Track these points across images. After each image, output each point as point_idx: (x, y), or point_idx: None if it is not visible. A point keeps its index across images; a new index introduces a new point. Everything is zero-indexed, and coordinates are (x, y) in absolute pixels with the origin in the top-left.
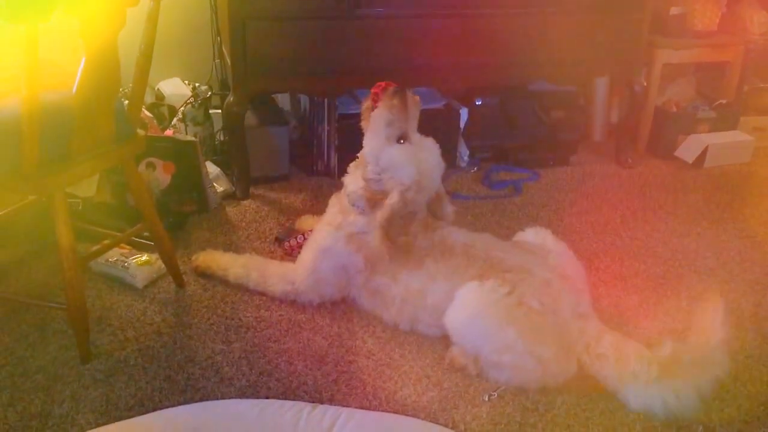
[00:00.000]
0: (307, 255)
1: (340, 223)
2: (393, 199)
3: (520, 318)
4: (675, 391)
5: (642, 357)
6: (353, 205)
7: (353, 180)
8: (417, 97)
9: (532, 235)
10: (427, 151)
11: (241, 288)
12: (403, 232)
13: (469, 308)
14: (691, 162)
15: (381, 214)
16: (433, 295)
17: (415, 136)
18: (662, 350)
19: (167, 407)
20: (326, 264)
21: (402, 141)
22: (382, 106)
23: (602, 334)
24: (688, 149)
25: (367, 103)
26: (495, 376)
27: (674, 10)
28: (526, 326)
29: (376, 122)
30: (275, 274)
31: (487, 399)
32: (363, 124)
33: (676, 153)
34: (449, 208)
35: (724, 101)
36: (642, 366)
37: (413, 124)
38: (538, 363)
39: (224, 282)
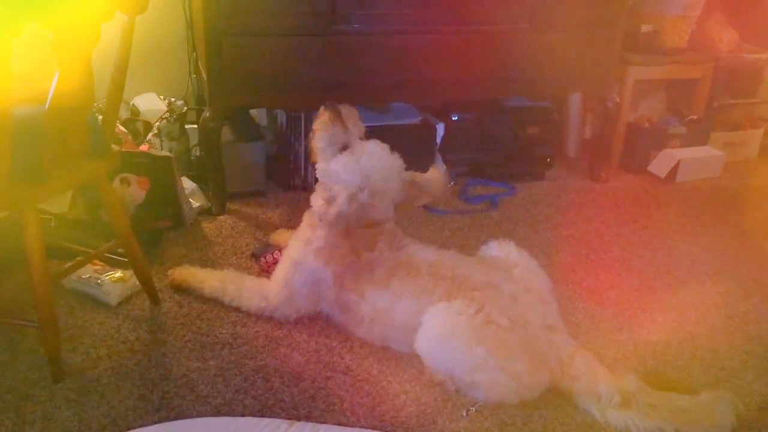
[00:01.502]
0: (279, 270)
1: (309, 238)
2: (340, 199)
3: (489, 336)
4: (633, 421)
5: (609, 383)
6: (320, 220)
7: (316, 198)
8: (354, 109)
9: (496, 249)
10: (371, 153)
11: (217, 304)
12: (370, 247)
13: (437, 330)
14: (663, 177)
15: (328, 214)
16: (401, 315)
17: (357, 143)
18: (628, 383)
19: (141, 426)
20: (297, 278)
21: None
22: (315, 127)
23: (574, 353)
24: (660, 164)
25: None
26: (472, 394)
27: (645, 28)
28: (496, 344)
29: (317, 145)
30: (250, 290)
31: (465, 414)
32: (312, 160)
33: (649, 168)
34: (432, 178)
35: (694, 117)
36: (608, 391)
37: (354, 132)
38: (512, 379)
39: (200, 298)
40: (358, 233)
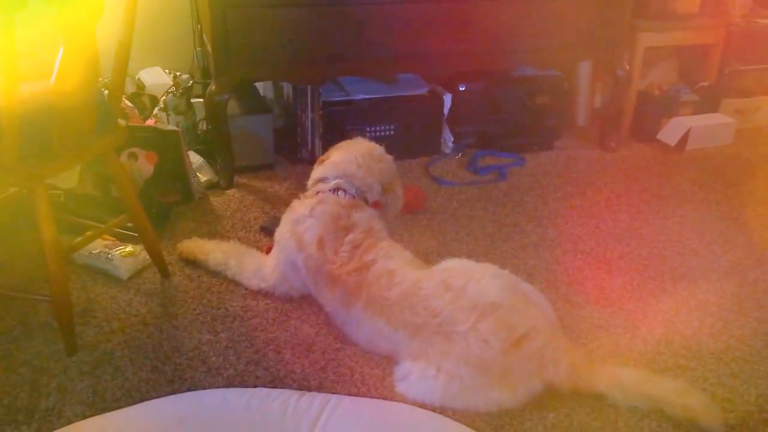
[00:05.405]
0: (273, 250)
1: (290, 214)
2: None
3: (457, 393)
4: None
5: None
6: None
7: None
8: None
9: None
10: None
11: (227, 277)
12: (335, 248)
13: (412, 399)
14: (673, 145)
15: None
16: (369, 337)
17: None
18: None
19: (154, 398)
20: (282, 256)
21: None
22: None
23: (558, 360)
24: (670, 132)
25: None
26: None
27: None
28: (467, 393)
29: None
30: (249, 270)
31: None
32: None
33: (659, 136)
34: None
35: (705, 84)
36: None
37: None
38: (497, 406)
39: (210, 271)
40: (330, 226)
